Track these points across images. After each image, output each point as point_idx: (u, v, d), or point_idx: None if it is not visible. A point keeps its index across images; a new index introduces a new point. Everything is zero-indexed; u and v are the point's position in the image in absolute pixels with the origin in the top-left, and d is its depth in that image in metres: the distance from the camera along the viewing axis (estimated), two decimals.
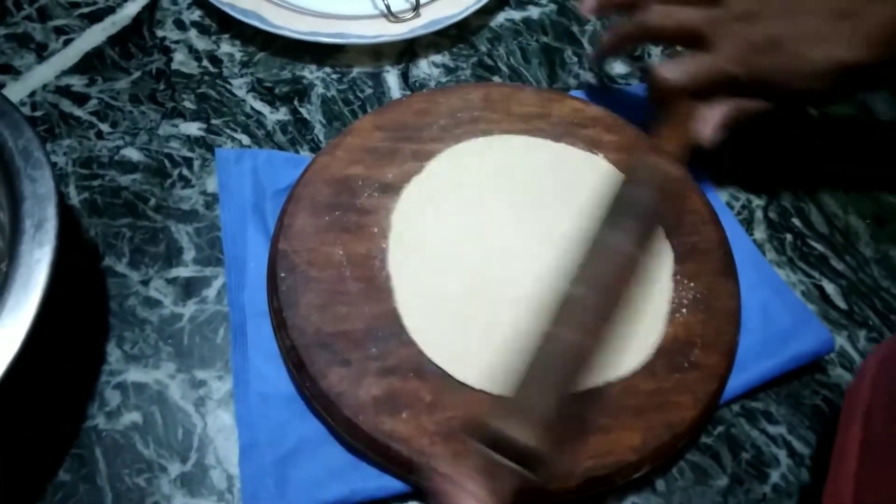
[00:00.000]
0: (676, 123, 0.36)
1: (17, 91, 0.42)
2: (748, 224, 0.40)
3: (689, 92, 0.36)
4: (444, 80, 0.45)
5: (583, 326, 0.26)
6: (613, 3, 0.40)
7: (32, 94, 0.42)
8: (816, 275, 0.39)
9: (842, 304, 0.38)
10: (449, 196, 0.37)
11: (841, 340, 0.37)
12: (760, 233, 0.40)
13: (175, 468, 0.31)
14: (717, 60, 0.35)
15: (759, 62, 0.34)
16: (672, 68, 0.36)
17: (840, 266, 0.39)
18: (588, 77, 0.46)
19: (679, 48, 0.42)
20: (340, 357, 0.31)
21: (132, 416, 0.32)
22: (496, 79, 0.45)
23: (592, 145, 0.39)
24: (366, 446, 0.30)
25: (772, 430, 0.34)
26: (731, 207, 0.40)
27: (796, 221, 0.41)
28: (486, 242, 0.35)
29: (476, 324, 0.33)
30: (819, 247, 0.40)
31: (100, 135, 0.40)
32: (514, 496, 0.24)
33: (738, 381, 0.34)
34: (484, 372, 0.31)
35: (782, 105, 0.36)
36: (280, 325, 0.32)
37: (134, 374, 0.33)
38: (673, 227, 0.36)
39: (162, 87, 0.43)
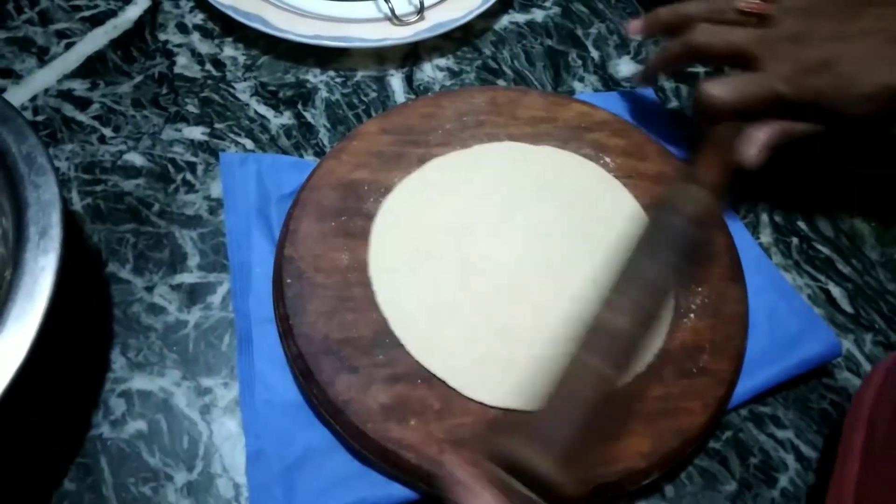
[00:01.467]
0: (718, 147, 0.35)
1: (18, 95, 0.41)
2: (754, 228, 0.40)
3: (736, 112, 0.35)
4: (448, 83, 0.44)
5: (616, 359, 0.26)
6: (661, 23, 0.40)
7: (34, 98, 0.41)
8: (822, 278, 0.39)
9: (848, 308, 0.38)
10: (438, 202, 0.36)
11: (847, 344, 0.37)
12: (766, 236, 0.40)
13: (181, 477, 0.31)
14: (767, 80, 0.35)
15: (809, 83, 0.34)
16: (720, 86, 0.35)
17: (846, 269, 0.39)
18: (593, 80, 0.45)
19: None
20: (348, 364, 0.31)
21: (137, 425, 0.32)
22: (500, 82, 0.45)
23: (599, 149, 0.39)
24: (374, 454, 0.30)
25: (780, 434, 0.34)
26: (737, 211, 0.40)
27: (802, 225, 0.41)
28: (478, 249, 0.35)
29: (472, 332, 0.32)
30: (825, 250, 0.40)
31: (102, 139, 0.40)
32: None
33: (745, 385, 0.33)
34: (486, 384, 0.31)
35: (830, 128, 0.36)
36: (286, 332, 0.32)
37: (139, 382, 0.33)
38: (707, 259, 0.35)
39: (165, 91, 0.43)
